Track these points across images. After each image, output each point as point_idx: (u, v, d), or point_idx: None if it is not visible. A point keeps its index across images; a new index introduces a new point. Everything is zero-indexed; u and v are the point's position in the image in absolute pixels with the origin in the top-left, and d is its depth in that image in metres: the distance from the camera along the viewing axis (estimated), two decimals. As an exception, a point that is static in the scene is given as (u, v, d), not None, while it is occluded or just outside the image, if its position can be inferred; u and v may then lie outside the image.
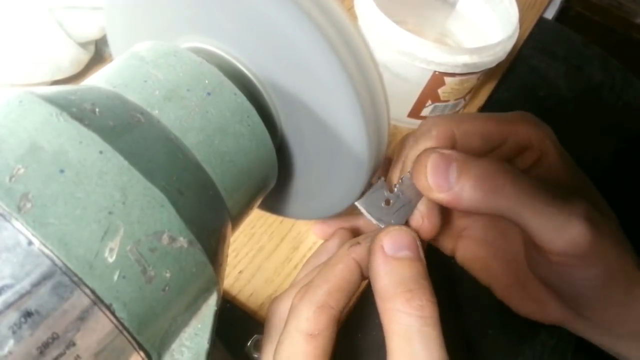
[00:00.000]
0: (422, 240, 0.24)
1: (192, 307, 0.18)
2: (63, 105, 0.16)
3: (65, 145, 0.15)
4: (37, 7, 0.36)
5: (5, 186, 0.14)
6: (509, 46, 0.40)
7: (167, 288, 0.16)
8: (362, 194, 0.25)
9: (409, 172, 0.25)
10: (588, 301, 0.25)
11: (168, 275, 0.16)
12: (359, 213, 0.25)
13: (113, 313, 0.15)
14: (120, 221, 0.15)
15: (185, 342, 0.18)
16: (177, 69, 0.20)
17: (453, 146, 0.25)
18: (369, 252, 0.23)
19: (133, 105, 0.18)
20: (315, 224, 0.33)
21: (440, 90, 0.41)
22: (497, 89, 0.50)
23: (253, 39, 0.21)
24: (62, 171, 0.15)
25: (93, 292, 0.14)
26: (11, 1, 0.36)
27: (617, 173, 0.47)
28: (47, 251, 0.14)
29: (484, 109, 0.48)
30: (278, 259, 0.35)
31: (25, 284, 0.13)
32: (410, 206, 0.25)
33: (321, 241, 0.36)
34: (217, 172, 0.19)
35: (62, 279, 0.14)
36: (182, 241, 0.16)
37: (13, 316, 0.13)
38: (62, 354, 0.14)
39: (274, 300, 0.27)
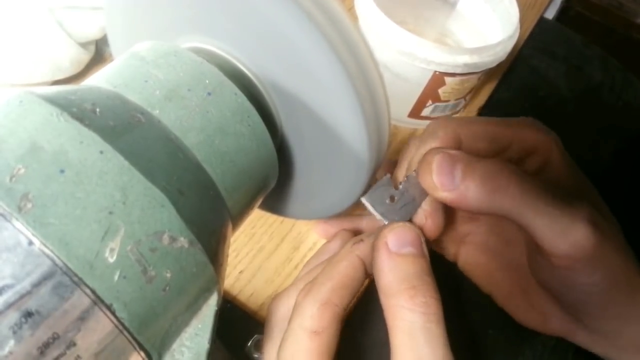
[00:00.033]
0: (425, 241, 0.24)
1: (193, 307, 0.18)
2: (63, 105, 0.16)
3: (66, 145, 0.15)
4: (37, 7, 0.36)
5: (5, 186, 0.14)
6: (509, 46, 0.40)
7: (167, 288, 0.16)
8: (363, 193, 0.25)
9: (414, 170, 0.25)
10: (590, 308, 0.25)
11: (168, 275, 0.16)
12: (364, 210, 0.25)
13: (113, 313, 0.15)
14: (121, 221, 0.15)
15: (186, 342, 0.18)
16: (178, 69, 0.20)
17: (458, 148, 0.25)
18: (373, 249, 0.23)
19: (133, 105, 0.18)
20: (318, 224, 0.33)
21: (440, 90, 0.41)
22: (497, 89, 0.50)
23: (253, 39, 0.21)
24: (62, 171, 0.15)
25: (93, 292, 0.14)
26: (11, 1, 0.36)
27: (617, 173, 0.47)
28: (47, 251, 0.14)
29: (484, 109, 0.48)
30: (278, 259, 0.35)
31: (25, 284, 0.13)
32: (414, 205, 0.25)
33: (322, 241, 0.36)
34: (218, 172, 0.19)
35: (63, 279, 0.14)
36: (183, 241, 0.16)
37: (13, 316, 0.13)
38: (62, 354, 0.14)
39: (274, 298, 0.27)
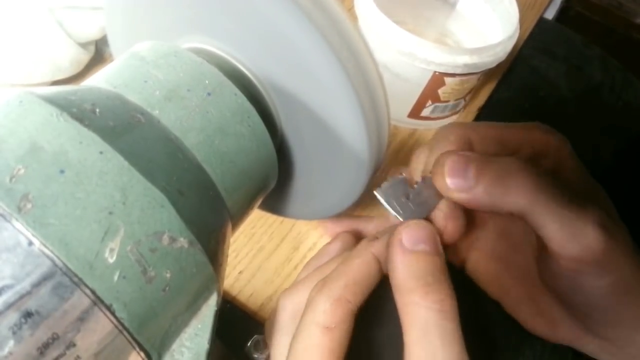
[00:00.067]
0: (442, 246, 0.24)
1: (192, 308, 0.18)
2: (63, 105, 0.16)
3: (66, 146, 0.15)
4: (37, 7, 0.36)
5: (5, 186, 0.14)
6: (509, 46, 0.40)
7: (167, 288, 0.16)
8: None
9: (429, 172, 0.25)
10: (599, 314, 0.25)
11: (168, 275, 0.16)
12: (363, 211, 0.25)
13: (113, 313, 0.15)
14: (121, 221, 0.15)
15: (186, 342, 0.18)
16: (178, 69, 0.20)
17: (470, 150, 0.26)
18: (388, 246, 0.23)
19: (133, 106, 0.18)
20: (324, 221, 0.33)
21: (440, 91, 0.41)
22: (497, 89, 0.50)
23: (253, 40, 0.21)
24: (62, 171, 0.15)
25: (93, 292, 0.14)
26: (11, 1, 0.36)
27: (618, 173, 0.47)
28: (47, 251, 0.14)
29: (484, 109, 0.48)
30: (278, 259, 0.35)
31: (25, 285, 0.13)
32: (428, 205, 0.25)
33: (322, 242, 0.36)
34: (218, 173, 0.19)
35: (63, 279, 0.14)
36: (183, 241, 0.16)
37: (13, 316, 0.13)
38: (62, 355, 0.14)
39: (282, 294, 0.27)
